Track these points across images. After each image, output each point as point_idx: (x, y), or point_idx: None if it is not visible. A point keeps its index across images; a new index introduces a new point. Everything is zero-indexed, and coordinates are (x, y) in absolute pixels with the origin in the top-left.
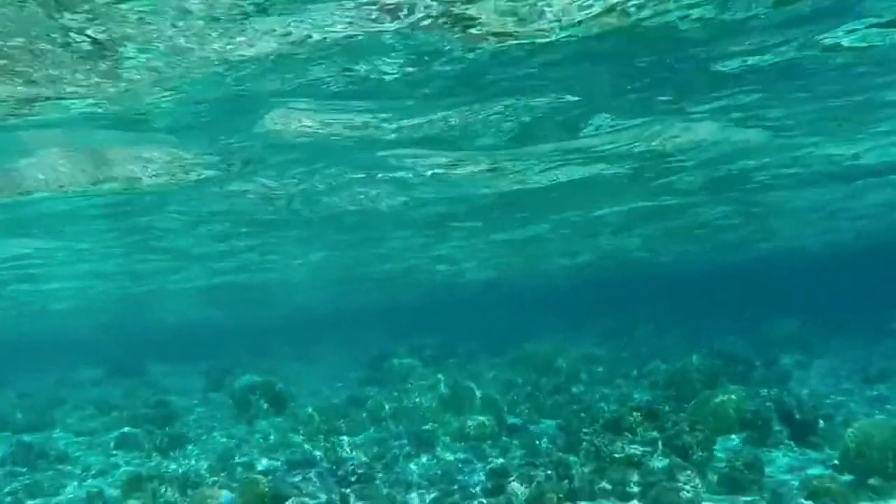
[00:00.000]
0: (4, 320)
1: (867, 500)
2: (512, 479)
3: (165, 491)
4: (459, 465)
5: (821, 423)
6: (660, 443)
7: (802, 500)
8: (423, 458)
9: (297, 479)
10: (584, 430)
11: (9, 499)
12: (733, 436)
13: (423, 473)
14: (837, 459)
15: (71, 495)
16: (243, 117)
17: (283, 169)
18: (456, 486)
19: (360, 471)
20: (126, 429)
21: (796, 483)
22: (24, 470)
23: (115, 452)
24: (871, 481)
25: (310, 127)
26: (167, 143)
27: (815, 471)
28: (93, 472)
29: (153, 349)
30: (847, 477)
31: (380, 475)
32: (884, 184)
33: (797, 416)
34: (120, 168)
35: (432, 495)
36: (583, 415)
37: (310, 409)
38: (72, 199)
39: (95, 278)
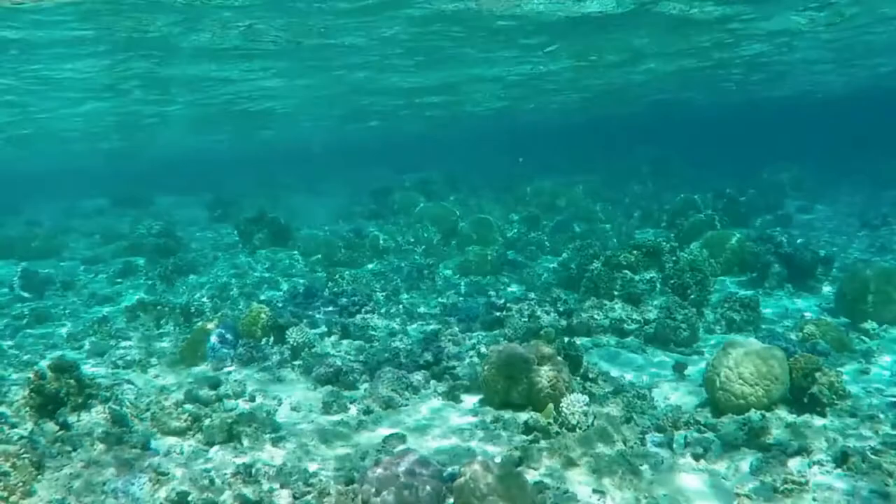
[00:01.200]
0: (15, 150)
1: (859, 342)
2: (511, 313)
3: (168, 318)
4: (459, 298)
5: (819, 266)
6: (659, 281)
7: (795, 342)
8: (424, 291)
9: (300, 308)
10: (585, 266)
11: (17, 323)
12: (732, 276)
13: (423, 305)
14: (833, 302)
15: (77, 320)
16: None
17: None
18: (455, 319)
19: (361, 302)
20: (131, 257)
21: (791, 323)
22: (32, 296)
23: (119, 280)
24: (865, 325)
25: None
26: None
27: (810, 313)
28: (98, 298)
29: (160, 181)
30: (842, 319)
31: (380, 307)
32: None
33: (796, 259)
34: None
35: (431, 327)
36: (584, 252)
37: (314, 242)
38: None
39: (97, 101)
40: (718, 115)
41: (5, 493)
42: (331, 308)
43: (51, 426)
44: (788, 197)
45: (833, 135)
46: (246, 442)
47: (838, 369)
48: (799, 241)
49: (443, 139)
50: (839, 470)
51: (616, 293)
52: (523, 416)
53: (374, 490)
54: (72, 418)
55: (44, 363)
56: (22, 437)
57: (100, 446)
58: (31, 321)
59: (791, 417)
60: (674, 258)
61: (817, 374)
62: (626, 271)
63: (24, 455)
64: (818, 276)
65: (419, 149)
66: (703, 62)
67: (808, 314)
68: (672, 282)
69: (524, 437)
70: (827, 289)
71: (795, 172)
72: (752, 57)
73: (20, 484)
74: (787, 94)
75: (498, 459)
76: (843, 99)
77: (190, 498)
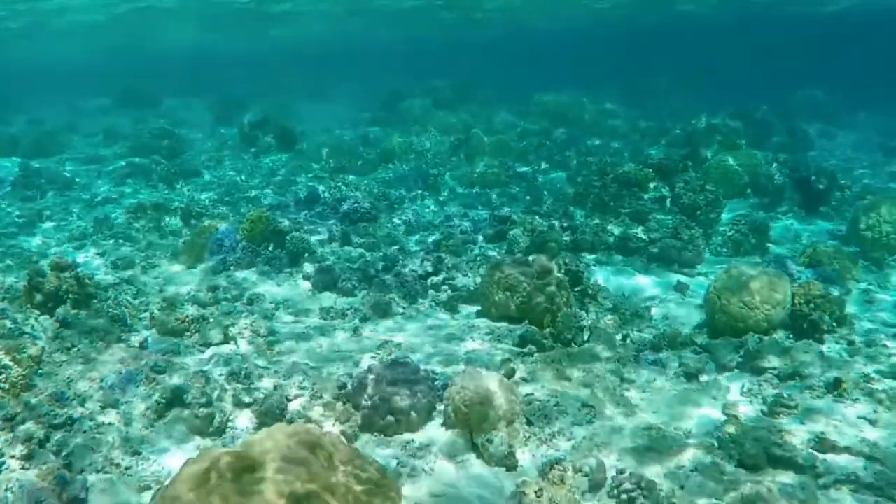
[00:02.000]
0: (18, 45)
1: (867, 272)
2: (515, 225)
3: (169, 219)
4: (464, 210)
5: (835, 193)
6: (668, 200)
7: (802, 268)
8: (429, 201)
9: (301, 214)
10: (594, 182)
11: (20, 220)
12: (744, 199)
13: (426, 215)
14: (846, 230)
15: (78, 220)
16: None
17: None
18: (458, 230)
19: (363, 209)
20: (133, 158)
21: (800, 249)
22: (34, 194)
23: (121, 180)
24: (875, 254)
25: None
26: None
27: (821, 239)
28: (100, 198)
29: (164, 81)
30: (852, 248)
31: (383, 215)
32: None
33: (812, 185)
34: None
35: (433, 237)
36: (594, 167)
37: (318, 147)
38: None
39: None
40: (744, 32)
41: (6, 386)
42: (332, 214)
43: (51, 323)
44: (810, 120)
45: (863, 59)
46: (242, 344)
47: (842, 297)
48: (817, 166)
49: (455, 48)
50: (831, 396)
51: (623, 210)
52: (519, 329)
53: (366, 395)
54: (71, 316)
55: (44, 261)
56: (23, 333)
57: (98, 344)
58: (35, 219)
59: (789, 342)
60: (685, 177)
61: (819, 301)
62: (636, 188)
63: (25, 350)
64: (833, 203)
65: (431, 57)
66: None
67: (818, 240)
68: (682, 201)
69: (519, 349)
70: (841, 216)
71: (820, 95)
72: None
73: (20, 377)
74: (820, 10)
75: (491, 370)
76: (876, 23)
77: (185, 396)
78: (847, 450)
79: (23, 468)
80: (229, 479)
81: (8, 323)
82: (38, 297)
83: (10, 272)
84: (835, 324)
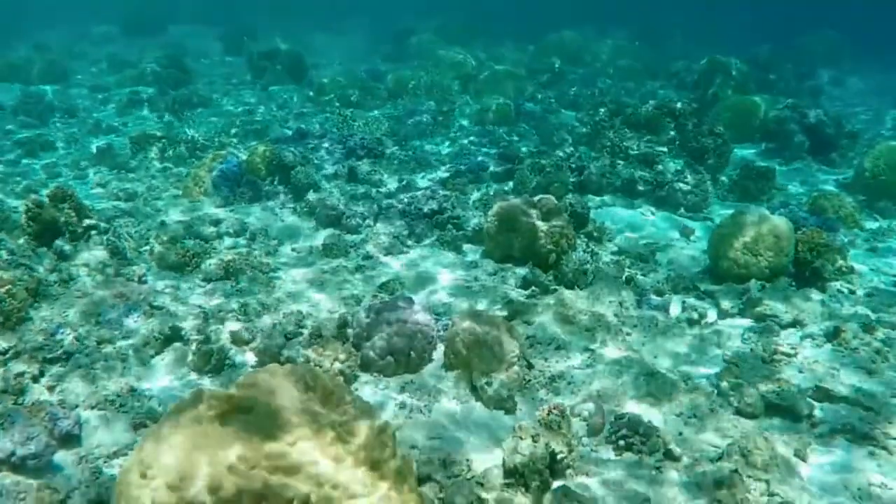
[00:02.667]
0: None
1: (872, 220)
2: (522, 165)
3: (173, 151)
4: (472, 147)
5: (843, 141)
6: (677, 143)
7: (806, 215)
8: (437, 138)
9: (308, 147)
10: (603, 123)
11: (22, 149)
12: (752, 144)
13: (435, 152)
14: (852, 178)
15: (82, 149)
16: None
17: None
18: (465, 168)
19: (370, 144)
20: (138, 87)
21: (806, 196)
22: (34, 121)
23: (127, 110)
24: (881, 203)
25: None
26: None
27: (828, 187)
28: (104, 127)
29: (172, 7)
30: (858, 196)
31: (390, 150)
32: None
33: (820, 132)
34: None
35: (441, 175)
36: (603, 108)
37: (327, 80)
38: None
39: None
40: None
41: (1, 319)
42: (339, 150)
43: (49, 255)
44: (821, 66)
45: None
46: (243, 280)
47: (846, 245)
48: (826, 113)
49: None
50: (830, 344)
51: (632, 152)
52: (522, 271)
53: (366, 334)
54: (69, 248)
55: (44, 191)
56: (19, 265)
57: (97, 277)
58: (36, 148)
59: (791, 290)
60: (695, 120)
61: (822, 249)
62: (644, 130)
63: (21, 282)
64: (841, 151)
65: None
66: None
67: (823, 187)
68: (690, 145)
69: (522, 291)
70: (848, 164)
71: (832, 40)
72: None
73: (15, 310)
74: None
75: (493, 312)
76: None
77: (183, 332)
78: (844, 399)
79: (15, 403)
80: (223, 421)
81: (4, 254)
82: (36, 227)
83: (9, 200)
84: (837, 272)
